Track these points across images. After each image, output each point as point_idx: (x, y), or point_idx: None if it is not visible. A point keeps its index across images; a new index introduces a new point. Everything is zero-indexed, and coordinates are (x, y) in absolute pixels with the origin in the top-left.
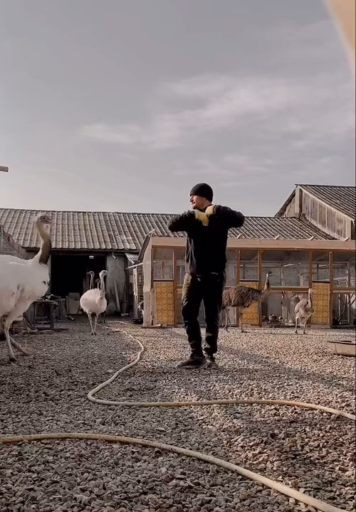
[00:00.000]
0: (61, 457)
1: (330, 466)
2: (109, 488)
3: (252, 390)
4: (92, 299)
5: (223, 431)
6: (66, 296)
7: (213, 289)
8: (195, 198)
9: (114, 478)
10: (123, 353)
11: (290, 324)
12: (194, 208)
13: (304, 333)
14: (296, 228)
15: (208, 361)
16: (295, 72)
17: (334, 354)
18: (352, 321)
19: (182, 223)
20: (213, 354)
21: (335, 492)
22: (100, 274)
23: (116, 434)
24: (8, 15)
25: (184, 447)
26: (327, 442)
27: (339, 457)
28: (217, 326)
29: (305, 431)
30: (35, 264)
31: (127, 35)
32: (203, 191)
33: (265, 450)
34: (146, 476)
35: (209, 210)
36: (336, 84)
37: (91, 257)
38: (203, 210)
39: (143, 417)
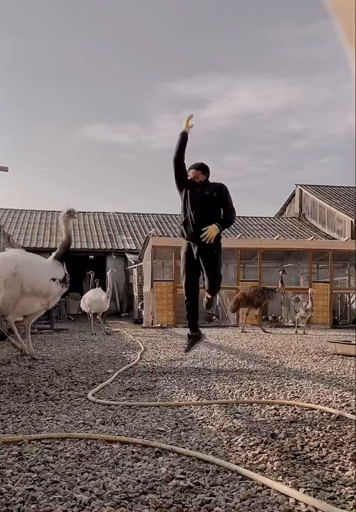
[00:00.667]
0: (61, 457)
1: (330, 466)
2: (109, 488)
3: (252, 390)
4: (98, 296)
5: (223, 431)
6: (66, 296)
7: (211, 259)
8: (193, 171)
9: (114, 478)
10: (123, 353)
11: (290, 324)
12: (190, 179)
13: (304, 333)
14: (296, 228)
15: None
16: (295, 72)
17: (334, 354)
18: (352, 321)
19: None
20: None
21: (335, 492)
22: (108, 272)
23: (116, 434)
24: (8, 15)
25: (184, 447)
26: (327, 442)
27: (339, 457)
28: (218, 291)
29: (305, 431)
30: (50, 260)
31: (127, 35)
32: (203, 168)
33: (265, 450)
34: (146, 476)
35: (213, 231)
36: (336, 84)
37: (91, 257)
38: (199, 182)
39: (143, 417)
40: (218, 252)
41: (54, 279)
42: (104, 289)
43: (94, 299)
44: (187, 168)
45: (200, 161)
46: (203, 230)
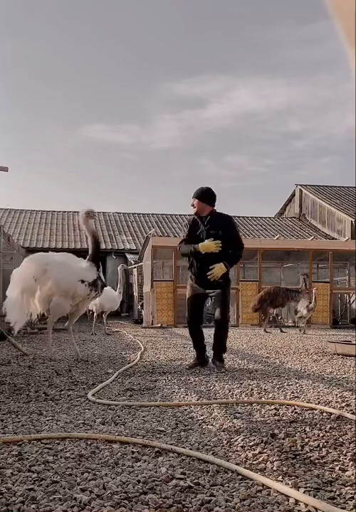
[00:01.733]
0: (61, 457)
1: (330, 466)
2: (109, 488)
3: (252, 390)
4: (111, 294)
5: (223, 431)
6: None
7: (218, 291)
8: (196, 202)
9: (114, 478)
10: (123, 353)
11: (290, 324)
12: (195, 213)
13: (304, 333)
14: (296, 228)
15: (216, 363)
16: (295, 72)
17: (334, 354)
18: (351, 321)
19: (186, 254)
20: (221, 354)
21: (335, 492)
22: (119, 268)
23: (116, 434)
24: (8, 15)
25: (184, 447)
26: (327, 442)
27: (339, 457)
28: (225, 325)
29: (305, 431)
30: (84, 262)
31: (127, 35)
32: (205, 197)
33: (265, 450)
34: (146, 476)
35: (219, 271)
36: (336, 84)
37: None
38: (203, 217)
39: (143, 417)
40: (225, 285)
41: (83, 281)
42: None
43: (107, 297)
44: (191, 196)
45: (205, 187)
46: (210, 268)
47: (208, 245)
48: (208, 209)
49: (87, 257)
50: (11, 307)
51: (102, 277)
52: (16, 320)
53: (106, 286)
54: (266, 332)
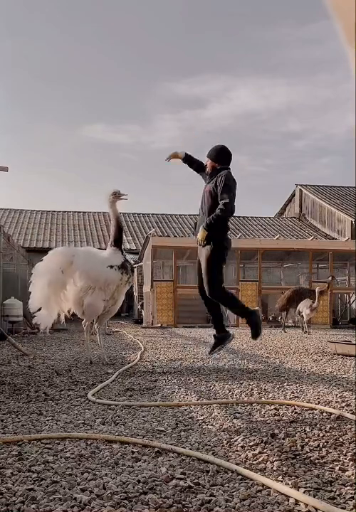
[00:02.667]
0: (61, 457)
1: (330, 466)
2: (109, 488)
3: (252, 390)
4: None
5: (223, 431)
6: None
7: (205, 262)
8: (208, 162)
9: (114, 478)
10: (123, 353)
11: (290, 324)
12: (207, 171)
13: (304, 333)
14: (296, 228)
15: (216, 337)
16: (295, 72)
17: (334, 354)
18: (349, 321)
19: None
20: (224, 325)
21: (335, 492)
22: None
23: (116, 434)
24: (8, 15)
25: (184, 447)
26: (327, 442)
27: (339, 457)
28: (219, 295)
29: (305, 431)
30: (108, 249)
31: (127, 35)
32: (215, 155)
33: (265, 450)
34: (146, 476)
35: (199, 235)
36: (336, 84)
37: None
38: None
39: (143, 417)
40: (212, 254)
41: (112, 267)
42: None
43: None
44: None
45: (219, 145)
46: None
47: (201, 232)
48: (212, 165)
49: (109, 242)
50: (38, 304)
51: (130, 260)
52: (44, 317)
53: (134, 270)
54: (284, 331)
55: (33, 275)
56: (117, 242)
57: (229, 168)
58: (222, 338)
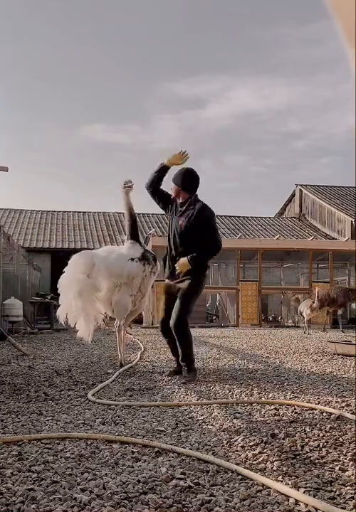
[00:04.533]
0: (61, 457)
1: (330, 466)
2: (109, 488)
3: (252, 390)
4: None
5: (223, 431)
6: None
7: (182, 292)
8: (173, 187)
9: (114, 478)
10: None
11: (290, 324)
12: (172, 197)
13: (304, 333)
14: (296, 228)
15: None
16: (295, 72)
17: (335, 354)
18: (348, 321)
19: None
20: (183, 364)
21: (335, 492)
22: None
23: (116, 434)
24: (8, 15)
25: (184, 447)
26: (327, 442)
27: (339, 457)
28: (181, 331)
29: (305, 431)
30: (126, 244)
31: (127, 35)
32: (182, 182)
33: (265, 450)
34: (146, 476)
35: (182, 265)
36: (336, 84)
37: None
38: (180, 202)
39: (143, 417)
40: (193, 286)
41: (132, 259)
42: None
43: None
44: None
45: (185, 169)
46: (177, 259)
47: (182, 264)
48: (185, 196)
49: (126, 237)
50: (74, 316)
51: (151, 250)
52: (83, 327)
53: (156, 259)
54: (325, 331)
55: (60, 289)
56: (133, 235)
57: (197, 196)
58: (176, 372)
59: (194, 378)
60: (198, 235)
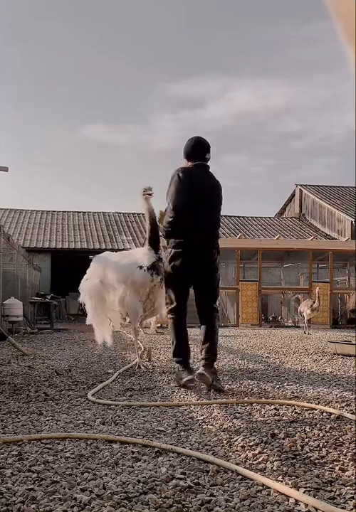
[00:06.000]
0: (61, 457)
1: (330, 466)
2: (109, 488)
3: (252, 390)
4: None
5: (223, 431)
6: (66, 296)
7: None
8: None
9: (114, 478)
10: (123, 353)
11: (290, 324)
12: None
13: (305, 333)
14: (296, 228)
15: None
16: (295, 72)
17: (334, 354)
18: (347, 321)
19: None
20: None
21: (335, 492)
22: None
23: (116, 434)
24: (9, 16)
25: (184, 447)
26: (327, 442)
27: (339, 457)
28: (172, 322)
29: (305, 431)
30: (144, 248)
31: (127, 35)
32: (185, 150)
33: (265, 450)
34: (146, 476)
35: None
36: (335, 85)
37: (91, 257)
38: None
39: (143, 417)
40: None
41: (141, 267)
42: None
43: None
44: None
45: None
46: None
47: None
48: (184, 163)
49: (145, 240)
50: (96, 322)
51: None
52: (98, 332)
53: None
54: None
55: (81, 294)
56: (152, 241)
57: (200, 163)
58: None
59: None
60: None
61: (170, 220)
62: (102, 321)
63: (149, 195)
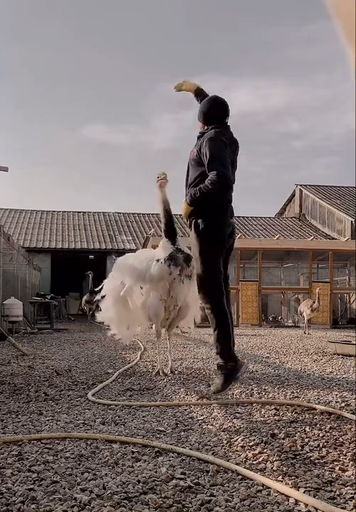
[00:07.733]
0: (61, 457)
1: (330, 466)
2: (109, 488)
3: (252, 390)
4: None
5: (223, 431)
6: (66, 296)
7: (194, 250)
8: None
9: (114, 478)
10: (123, 353)
11: (290, 324)
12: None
13: (305, 333)
14: (296, 228)
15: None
16: (295, 72)
17: (334, 354)
18: (347, 321)
19: None
20: (221, 358)
21: (335, 492)
22: None
23: (116, 434)
24: (9, 17)
25: (184, 447)
26: (327, 442)
27: (339, 457)
28: (210, 302)
29: (305, 431)
30: (162, 242)
31: (127, 35)
32: (200, 112)
33: (265, 450)
34: (146, 476)
35: (183, 208)
36: (335, 85)
37: (91, 257)
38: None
39: (143, 417)
40: (200, 238)
41: (158, 260)
42: None
43: None
44: None
45: (207, 98)
46: None
47: (182, 208)
48: (201, 126)
49: (162, 234)
50: (117, 323)
51: (185, 249)
52: (121, 333)
53: (191, 259)
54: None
55: (102, 294)
56: (168, 232)
57: (218, 127)
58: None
59: (233, 374)
60: (202, 168)
61: (220, 186)
62: (123, 320)
63: (163, 180)
